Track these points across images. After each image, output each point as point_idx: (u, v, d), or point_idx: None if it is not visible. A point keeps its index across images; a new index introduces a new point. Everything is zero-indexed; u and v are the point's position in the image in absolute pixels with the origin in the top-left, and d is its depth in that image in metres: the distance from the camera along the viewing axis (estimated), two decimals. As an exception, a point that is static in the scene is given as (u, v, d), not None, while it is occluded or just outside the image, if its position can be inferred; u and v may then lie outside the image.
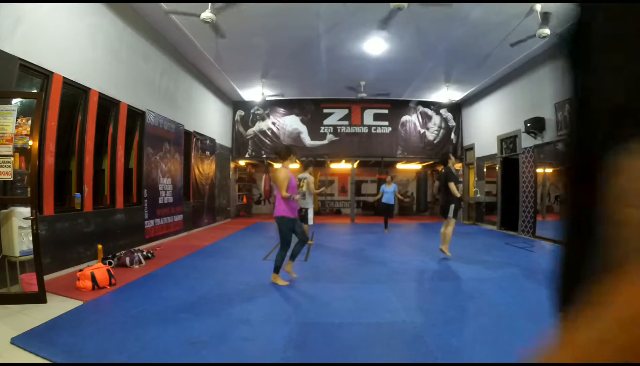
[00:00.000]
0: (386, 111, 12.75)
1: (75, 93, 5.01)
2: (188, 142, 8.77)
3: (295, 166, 5.48)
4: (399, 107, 12.65)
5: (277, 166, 4.52)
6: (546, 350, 0.35)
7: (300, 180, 6.46)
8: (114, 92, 5.76)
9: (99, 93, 5.36)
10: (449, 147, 12.76)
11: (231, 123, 12.62)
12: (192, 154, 9.04)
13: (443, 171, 5.95)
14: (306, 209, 6.93)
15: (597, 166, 0.37)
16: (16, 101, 3.89)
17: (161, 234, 7.30)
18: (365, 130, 12.78)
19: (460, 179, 12.43)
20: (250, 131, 12.70)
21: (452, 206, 5.68)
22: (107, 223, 5.58)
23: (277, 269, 4.30)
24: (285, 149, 4.49)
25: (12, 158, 3.41)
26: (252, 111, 12.68)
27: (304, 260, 5.79)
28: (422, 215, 14.52)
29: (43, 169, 4.26)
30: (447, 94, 11.19)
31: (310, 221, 7.07)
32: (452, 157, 5.99)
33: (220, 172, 11.23)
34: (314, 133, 12.67)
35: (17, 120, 3.48)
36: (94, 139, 5.29)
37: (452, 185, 5.64)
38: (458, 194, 5.67)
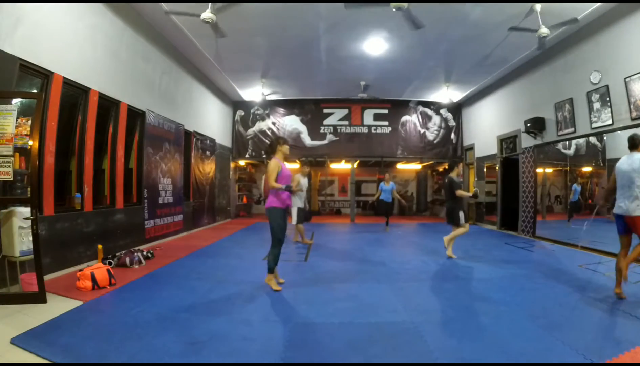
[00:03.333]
0: (386, 111, 12.75)
1: (75, 93, 5.01)
2: (188, 142, 8.77)
3: (294, 166, 5.45)
4: (399, 107, 12.66)
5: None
6: None
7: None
8: (114, 92, 5.76)
9: (99, 93, 5.36)
10: (449, 147, 12.76)
11: (231, 123, 12.62)
12: (192, 154, 9.04)
13: (447, 180, 6.05)
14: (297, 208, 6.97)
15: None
16: (16, 101, 3.89)
17: (161, 234, 7.30)
18: (365, 130, 12.78)
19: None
20: (250, 131, 12.71)
21: (462, 213, 5.84)
22: (107, 223, 5.58)
23: (270, 270, 4.11)
24: (270, 143, 4.31)
25: (12, 158, 3.41)
26: (252, 111, 12.68)
27: (304, 260, 5.79)
28: (422, 215, 14.52)
29: (43, 169, 4.27)
30: (447, 94, 11.19)
31: (293, 221, 7.00)
32: (460, 167, 6.27)
33: (220, 172, 11.23)
34: (314, 133, 12.67)
35: (17, 120, 3.48)
36: (94, 139, 5.29)
37: (461, 192, 5.86)
38: (470, 194, 6.02)
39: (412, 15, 5.54)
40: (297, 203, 7.00)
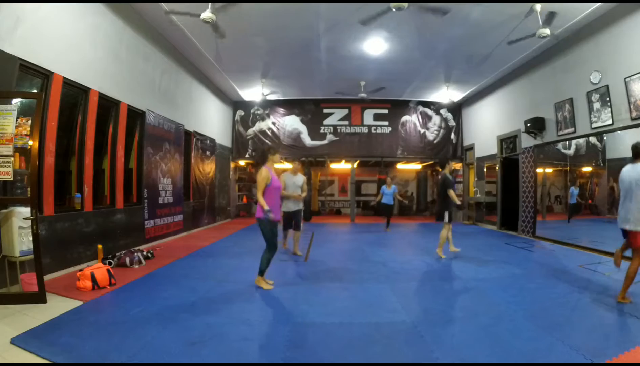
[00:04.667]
0: (386, 111, 12.75)
1: (75, 93, 5.00)
2: (188, 142, 8.77)
3: (281, 166, 5.22)
4: (399, 107, 12.66)
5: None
6: None
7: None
8: (114, 92, 5.76)
9: (99, 93, 5.36)
10: (449, 147, 12.76)
11: (231, 123, 12.62)
12: (192, 154, 9.04)
13: (440, 177, 6.10)
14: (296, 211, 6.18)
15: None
16: (16, 101, 3.89)
17: (161, 234, 7.30)
18: (365, 130, 12.78)
19: (460, 179, 12.46)
20: (250, 131, 12.71)
21: (447, 213, 5.94)
22: (107, 223, 5.58)
23: (261, 272, 4.17)
24: (261, 152, 4.34)
25: (12, 158, 3.41)
26: (252, 111, 12.68)
27: (304, 260, 5.78)
28: (422, 215, 14.51)
29: (43, 169, 4.26)
30: (447, 94, 11.19)
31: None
32: (451, 164, 6.28)
33: (220, 172, 11.23)
34: (314, 133, 12.67)
35: (17, 120, 3.48)
36: (94, 139, 5.29)
37: (451, 193, 5.90)
38: (458, 202, 5.99)
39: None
40: (298, 206, 6.78)
